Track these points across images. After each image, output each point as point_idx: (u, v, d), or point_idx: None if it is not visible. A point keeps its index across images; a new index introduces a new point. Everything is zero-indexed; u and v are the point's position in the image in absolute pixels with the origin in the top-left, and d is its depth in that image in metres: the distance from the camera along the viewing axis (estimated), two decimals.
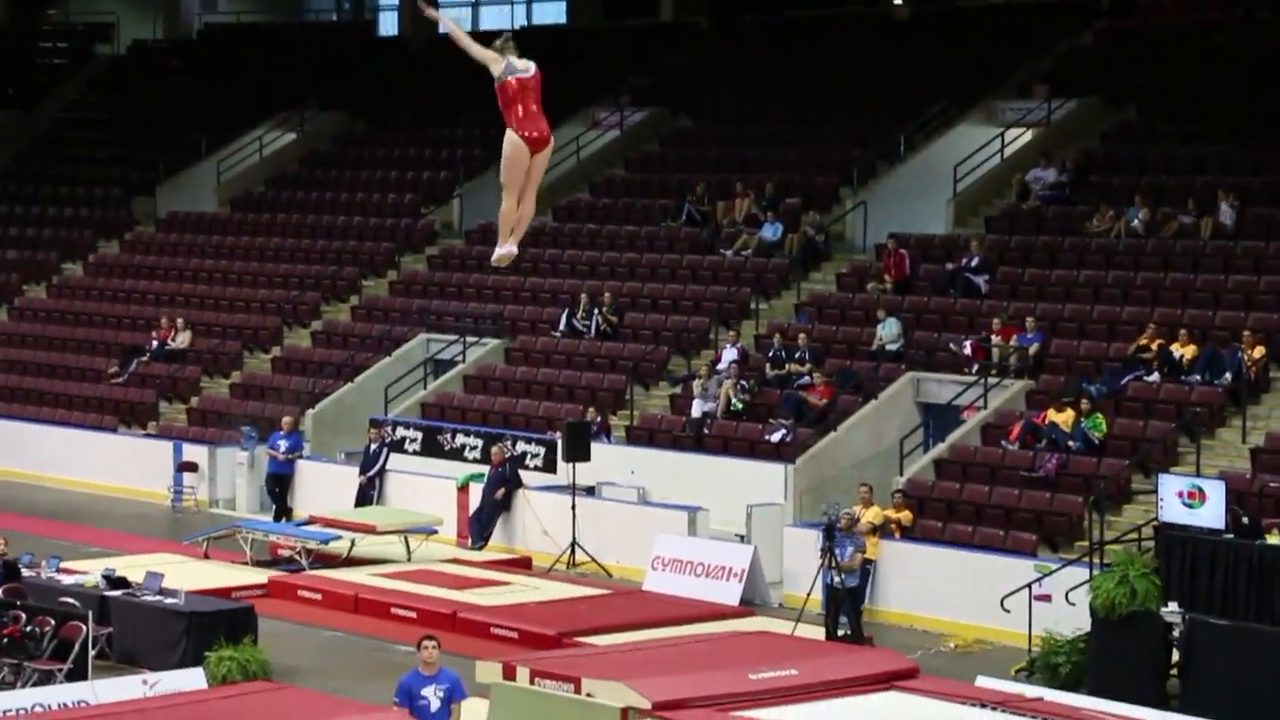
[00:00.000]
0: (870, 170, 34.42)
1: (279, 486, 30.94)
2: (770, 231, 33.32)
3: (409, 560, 27.13)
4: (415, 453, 30.94)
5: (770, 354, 29.87)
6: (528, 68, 13.03)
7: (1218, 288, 28.00)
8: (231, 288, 39.10)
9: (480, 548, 28.47)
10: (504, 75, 12.93)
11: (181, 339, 37.16)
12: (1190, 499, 20.37)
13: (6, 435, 36.32)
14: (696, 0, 42.13)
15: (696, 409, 29.39)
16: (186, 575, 24.27)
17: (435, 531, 27.86)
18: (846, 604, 22.43)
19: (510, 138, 12.95)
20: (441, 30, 13.49)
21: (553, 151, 13.36)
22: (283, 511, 30.60)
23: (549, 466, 29.06)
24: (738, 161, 35.92)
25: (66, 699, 17.75)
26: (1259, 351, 25.94)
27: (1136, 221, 29.79)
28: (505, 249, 13.25)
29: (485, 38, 13.42)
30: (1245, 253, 28.51)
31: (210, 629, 20.89)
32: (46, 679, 19.58)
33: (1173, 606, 19.77)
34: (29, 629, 20.23)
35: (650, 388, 31.38)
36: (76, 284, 41.78)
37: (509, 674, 16.74)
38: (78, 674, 19.62)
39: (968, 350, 28.25)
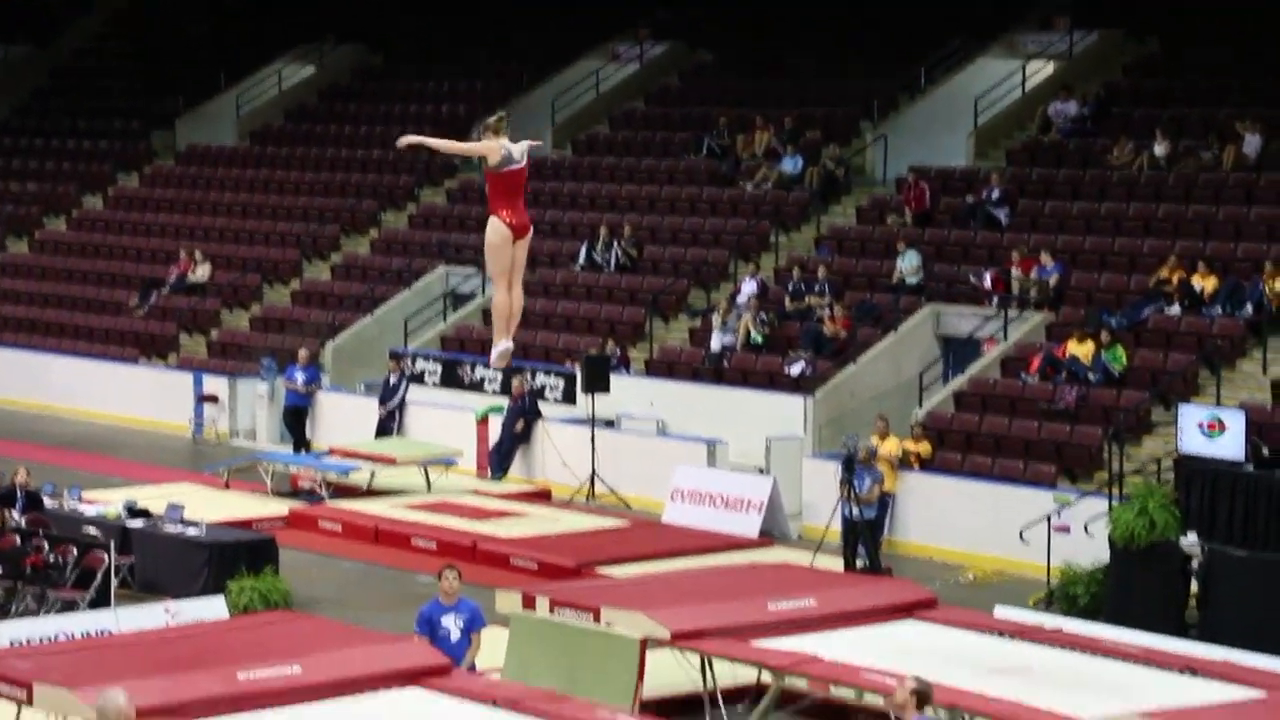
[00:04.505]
0: (891, 103, 34.27)
1: (297, 419, 30.99)
2: (790, 165, 33.22)
3: (429, 492, 27.22)
4: (435, 385, 31.01)
5: (789, 287, 29.83)
6: (522, 155, 12.77)
7: (1239, 219, 27.89)
8: (251, 221, 39.10)
9: (500, 479, 28.53)
10: (500, 167, 12.65)
11: (201, 272, 37.19)
12: (1210, 430, 20.35)
13: (29, 366, 36.45)
14: None
15: (715, 342, 29.38)
16: (208, 506, 24.39)
17: (455, 463, 27.94)
18: (865, 536, 22.46)
19: (495, 224, 12.74)
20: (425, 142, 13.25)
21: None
22: (301, 443, 30.68)
23: (568, 399, 29.10)
24: (757, 95, 35.76)
25: (90, 627, 17.83)
26: None
27: (1159, 150, 29.61)
28: (502, 346, 12.92)
29: None
30: (1269, 184, 28.36)
31: (232, 559, 20.99)
32: (69, 607, 19.68)
33: (1192, 537, 19.76)
34: (52, 558, 20.34)
35: (669, 320, 31.36)
36: (96, 217, 41.80)
37: (528, 604, 16.78)
38: (100, 603, 19.72)
39: (988, 283, 28.19)
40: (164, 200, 41.14)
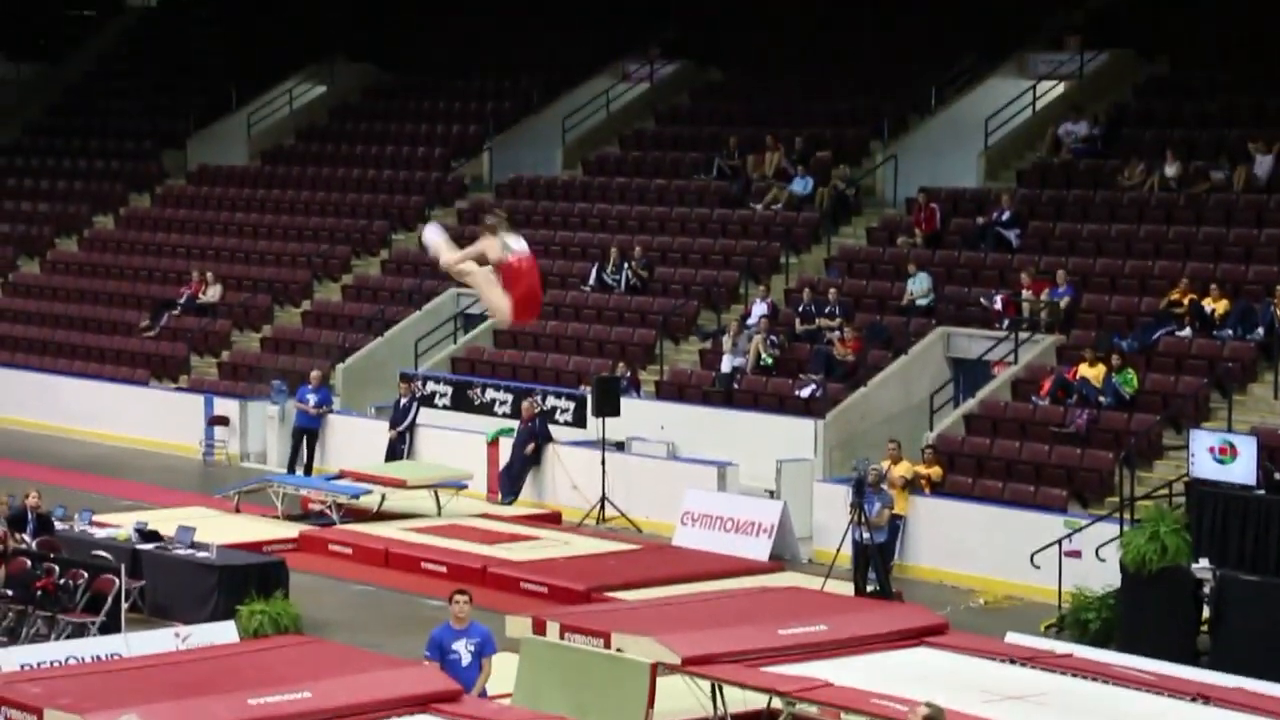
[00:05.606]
0: (901, 124, 34.27)
1: (307, 439, 30.95)
2: (800, 185, 33.23)
3: (439, 515, 27.19)
4: (445, 407, 30.98)
5: (800, 309, 29.82)
6: (523, 248, 12.68)
7: (1250, 241, 27.87)
8: (262, 241, 39.14)
9: (510, 503, 28.50)
10: (505, 256, 12.61)
11: (212, 292, 37.22)
12: (1222, 454, 20.32)
13: (39, 388, 36.47)
14: None
15: (726, 364, 29.37)
16: (218, 529, 24.38)
17: (465, 486, 27.90)
18: (875, 560, 22.43)
19: (500, 306, 12.72)
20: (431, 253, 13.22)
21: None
22: (296, 462, 30.61)
23: (579, 421, 29.08)
24: (767, 115, 35.76)
25: (100, 651, 17.82)
26: None
27: (1169, 171, 29.60)
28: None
29: None
30: (1279, 205, 28.35)
31: (242, 582, 20.99)
32: (80, 631, 19.69)
33: (1203, 563, 19.74)
34: (62, 581, 20.35)
35: (680, 342, 31.36)
36: (107, 237, 41.86)
37: (539, 628, 16.77)
38: (111, 627, 19.73)
39: (998, 305, 28.17)
40: (175, 220, 41.18)
